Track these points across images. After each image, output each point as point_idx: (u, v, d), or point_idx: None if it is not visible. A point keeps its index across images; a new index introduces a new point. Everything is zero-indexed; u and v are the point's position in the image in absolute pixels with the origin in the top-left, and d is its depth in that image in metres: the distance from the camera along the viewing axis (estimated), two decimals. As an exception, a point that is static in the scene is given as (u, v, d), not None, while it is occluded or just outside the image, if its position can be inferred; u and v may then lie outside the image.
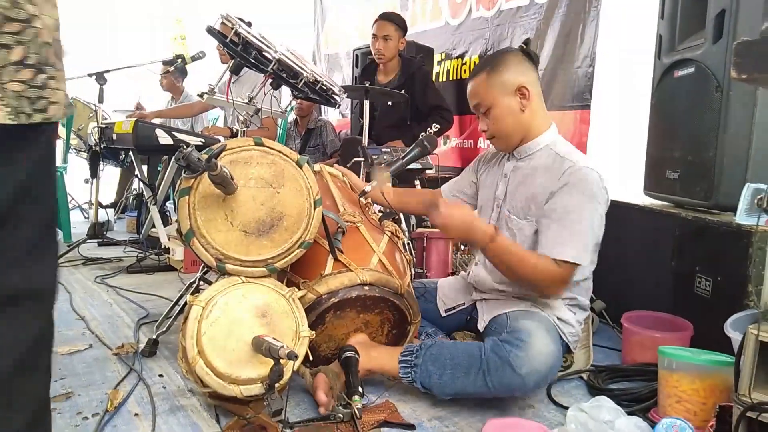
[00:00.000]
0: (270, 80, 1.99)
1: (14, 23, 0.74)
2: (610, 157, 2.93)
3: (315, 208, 1.50)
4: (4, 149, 0.77)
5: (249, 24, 2.04)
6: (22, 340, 0.81)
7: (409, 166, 2.06)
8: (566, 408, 1.47)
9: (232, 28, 1.81)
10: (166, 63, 3.94)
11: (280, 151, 1.50)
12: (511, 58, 1.65)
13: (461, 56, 4.04)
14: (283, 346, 1.26)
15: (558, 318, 1.61)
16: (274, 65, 1.87)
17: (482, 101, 1.65)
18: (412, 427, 1.41)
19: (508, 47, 3.15)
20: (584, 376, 1.75)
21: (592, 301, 1.96)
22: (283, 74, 1.92)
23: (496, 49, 3.72)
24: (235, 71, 1.98)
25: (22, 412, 0.82)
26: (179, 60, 3.38)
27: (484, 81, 1.64)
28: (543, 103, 1.69)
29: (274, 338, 1.31)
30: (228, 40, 1.82)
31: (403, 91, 3.08)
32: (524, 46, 1.67)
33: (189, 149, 1.23)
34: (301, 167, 1.51)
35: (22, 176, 0.79)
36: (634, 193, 2.39)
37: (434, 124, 2.08)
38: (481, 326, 1.72)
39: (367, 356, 1.56)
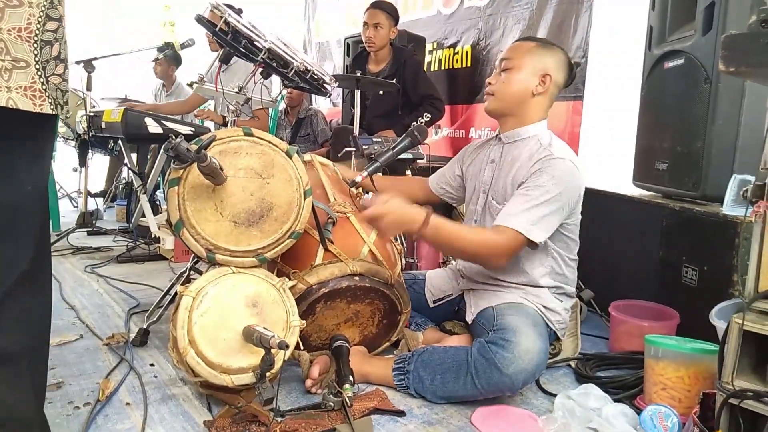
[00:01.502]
0: (260, 69, 1.97)
1: (53, 22, 0.83)
2: (603, 148, 2.95)
3: (305, 199, 1.50)
4: (45, 137, 0.86)
5: (239, 12, 2.02)
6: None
7: (400, 156, 2.06)
8: (554, 395, 1.50)
9: (221, 17, 1.79)
10: (160, 49, 3.90)
11: (269, 141, 1.49)
12: (561, 55, 1.71)
13: (453, 46, 4.02)
14: (273, 336, 1.27)
15: (545, 307, 1.63)
16: (264, 54, 1.85)
17: (512, 59, 1.69)
18: (402, 413, 1.43)
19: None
20: (572, 364, 1.78)
21: (580, 290, 1.99)
22: (273, 63, 1.91)
23: (489, 39, 3.72)
24: (225, 60, 1.96)
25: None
26: (169, 48, 3.34)
27: (530, 47, 1.69)
28: (550, 106, 1.72)
29: (265, 328, 1.31)
30: (217, 29, 1.80)
31: (394, 80, 3.07)
32: (573, 63, 1.73)
33: (178, 140, 1.22)
34: (290, 157, 1.50)
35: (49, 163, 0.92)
36: (627, 184, 2.40)
37: (425, 114, 2.08)
38: (469, 318, 1.74)
39: (363, 366, 1.58)
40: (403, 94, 3.25)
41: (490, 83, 1.72)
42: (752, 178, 1.28)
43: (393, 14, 3.28)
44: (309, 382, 1.51)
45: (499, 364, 1.41)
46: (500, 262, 1.55)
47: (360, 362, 1.58)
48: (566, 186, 1.54)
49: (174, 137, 1.22)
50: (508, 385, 1.42)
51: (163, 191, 2.33)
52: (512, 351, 1.41)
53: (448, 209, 3.24)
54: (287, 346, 1.27)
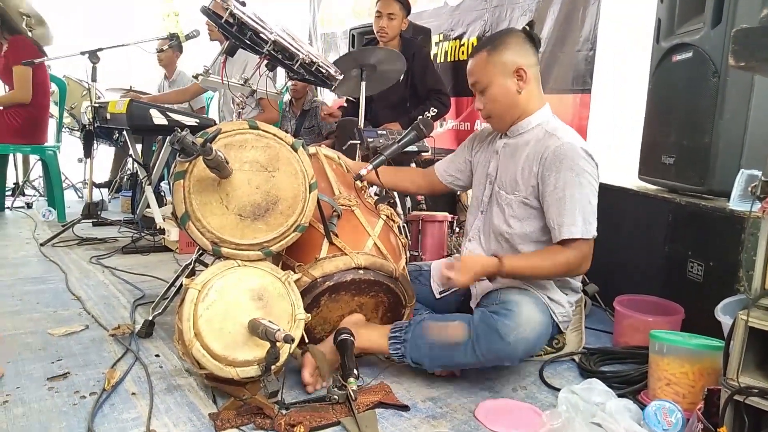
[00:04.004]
0: (265, 61, 1.96)
1: None
2: (611, 141, 2.92)
3: (310, 192, 1.50)
4: None
5: (243, 3, 2.00)
6: None
7: (405, 149, 2.06)
8: (558, 390, 1.50)
9: (227, 9, 1.78)
10: (164, 39, 3.89)
11: (274, 134, 1.49)
12: (513, 38, 1.65)
13: (459, 37, 4.00)
14: (279, 329, 1.27)
15: (549, 298, 1.63)
16: (269, 46, 1.85)
17: (480, 80, 1.66)
18: (406, 408, 1.43)
19: (510, 28, 3.13)
20: (576, 358, 1.78)
21: (585, 284, 1.98)
22: (278, 55, 1.90)
23: (495, 31, 3.69)
24: (230, 53, 1.96)
25: None
26: (174, 39, 3.33)
27: (484, 60, 1.65)
28: (540, 86, 1.69)
29: (270, 321, 1.32)
30: (223, 20, 1.79)
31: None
32: (527, 28, 1.67)
33: (184, 132, 1.22)
34: (296, 150, 1.50)
35: None
36: (636, 178, 2.38)
37: (432, 108, 2.07)
38: (473, 304, 1.75)
39: (359, 335, 1.56)
40: (410, 86, 3.23)
41: (479, 109, 1.71)
42: (760, 173, 1.27)
43: (406, 5, 3.25)
44: (310, 389, 1.49)
45: (501, 330, 1.42)
46: (585, 269, 1.57)
47: (356, 332, 1.55)
48: (588, 170, 1.54)
49: (180, 130, 1.22)
50: (508, 353, 1.43)
51: (168, 183, 2.33)
52: (514, 319, 1.43)
53: (451, 198, 3.24)
54: (293, 340, 1.28)
